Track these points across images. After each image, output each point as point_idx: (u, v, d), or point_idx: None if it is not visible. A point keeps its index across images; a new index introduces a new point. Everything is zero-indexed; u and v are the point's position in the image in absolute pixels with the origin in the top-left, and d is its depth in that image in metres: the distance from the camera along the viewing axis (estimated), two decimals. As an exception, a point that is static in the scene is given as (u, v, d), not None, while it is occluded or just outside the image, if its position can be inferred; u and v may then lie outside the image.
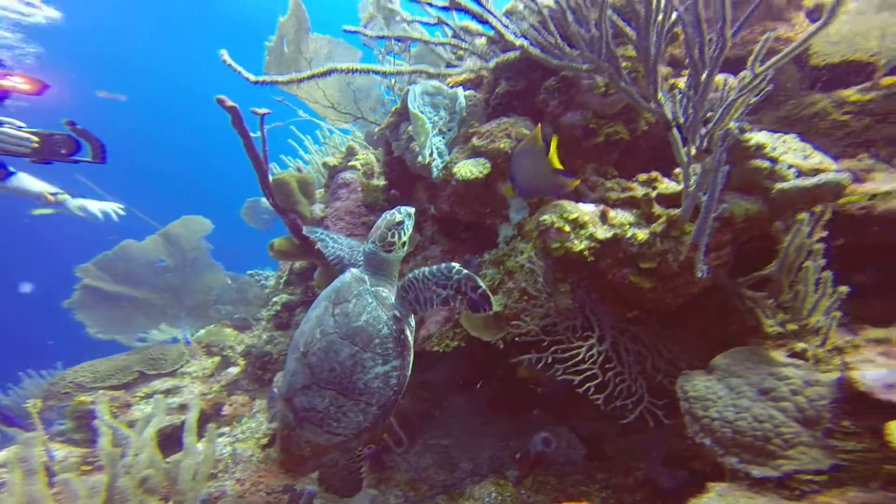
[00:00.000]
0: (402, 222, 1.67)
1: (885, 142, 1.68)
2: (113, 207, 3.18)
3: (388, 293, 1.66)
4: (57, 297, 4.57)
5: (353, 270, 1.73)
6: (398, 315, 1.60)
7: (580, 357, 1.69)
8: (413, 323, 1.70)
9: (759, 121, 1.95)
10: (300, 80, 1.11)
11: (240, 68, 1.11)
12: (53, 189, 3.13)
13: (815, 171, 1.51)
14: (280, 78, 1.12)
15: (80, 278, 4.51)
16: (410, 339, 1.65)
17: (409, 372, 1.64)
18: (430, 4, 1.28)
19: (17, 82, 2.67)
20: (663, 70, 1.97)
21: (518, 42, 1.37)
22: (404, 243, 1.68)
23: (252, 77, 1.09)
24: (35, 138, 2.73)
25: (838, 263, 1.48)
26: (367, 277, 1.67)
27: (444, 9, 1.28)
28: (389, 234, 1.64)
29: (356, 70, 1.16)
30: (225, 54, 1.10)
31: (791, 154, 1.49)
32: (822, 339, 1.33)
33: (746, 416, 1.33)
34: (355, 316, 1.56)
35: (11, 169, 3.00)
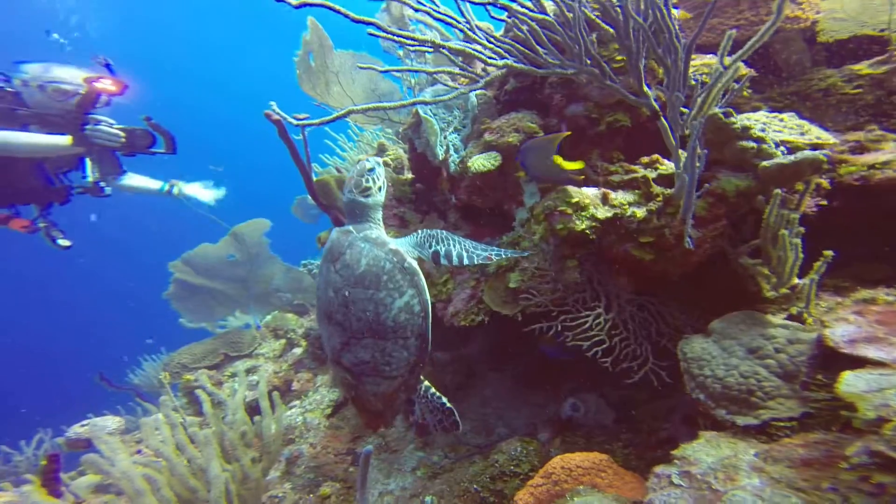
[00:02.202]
0: (373, 168, 1.74)
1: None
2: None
3: (378, 234, 1.71)
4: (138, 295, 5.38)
5: (337, 228, 1.78)
6: (393, 247, 1.65)
7: (587, 325, 1.89)
8: (415, 254, 1.75)
9: (770, 98, 1.96)
10: (330, 121, 1.37)
11: (286, 116, 1.39)
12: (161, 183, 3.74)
13: (815, 146, 1.56)
14: (314, 121, 1.39)
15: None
16: (415, 265, 1.69)
17: (428, 296, 1.70)
18: (421, 48, 1.48)
19: (106, 84, 3.02)
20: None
21: (501, 63, 1.54)
22: (380, 187, 1.75)
23: (294, 122, 1.37)
24: (122, 133, 3.16)
25: (839, 231, 1.54)
26: (350, 228, 1.72)
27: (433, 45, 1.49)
28: (363, 179, 1.71)
29: (369, 109, 1.40)
30: (274, 105, 1.39)
31: (787, 132, 1.55)
32: (805, 302, 1.43)
33: (734, 372, 1.48)
34: (355, 263, 1.61)
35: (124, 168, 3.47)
